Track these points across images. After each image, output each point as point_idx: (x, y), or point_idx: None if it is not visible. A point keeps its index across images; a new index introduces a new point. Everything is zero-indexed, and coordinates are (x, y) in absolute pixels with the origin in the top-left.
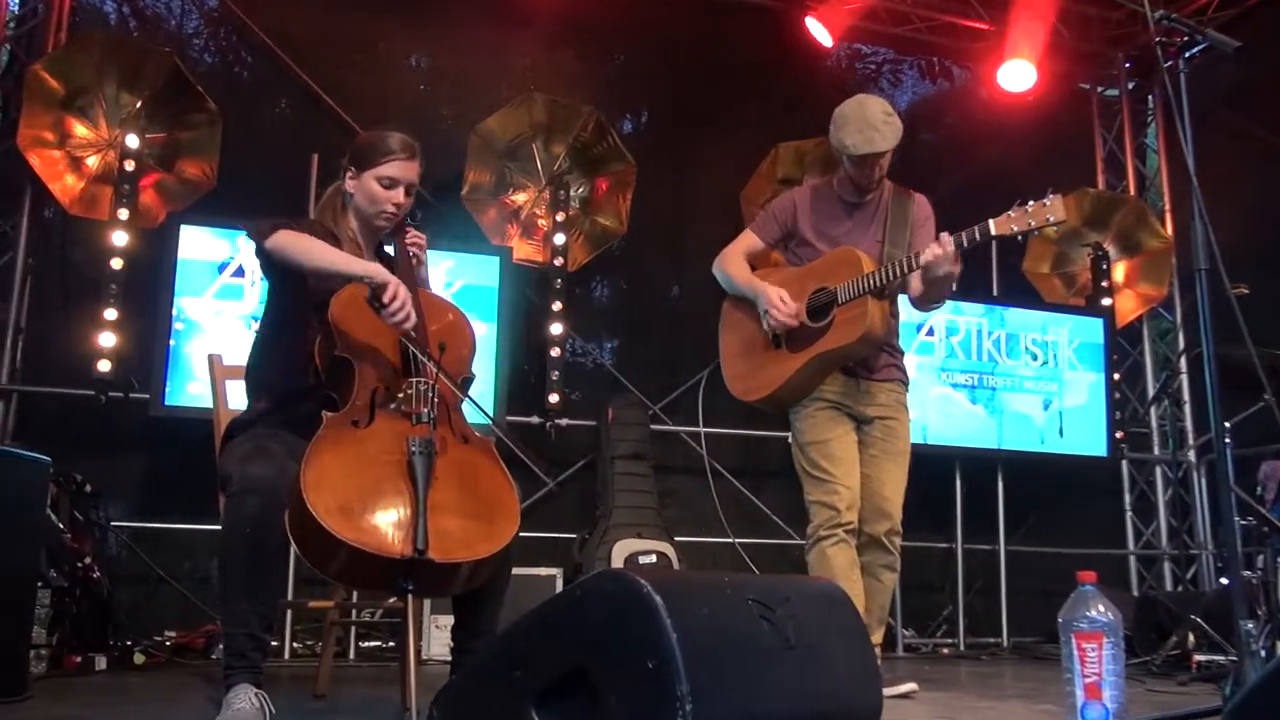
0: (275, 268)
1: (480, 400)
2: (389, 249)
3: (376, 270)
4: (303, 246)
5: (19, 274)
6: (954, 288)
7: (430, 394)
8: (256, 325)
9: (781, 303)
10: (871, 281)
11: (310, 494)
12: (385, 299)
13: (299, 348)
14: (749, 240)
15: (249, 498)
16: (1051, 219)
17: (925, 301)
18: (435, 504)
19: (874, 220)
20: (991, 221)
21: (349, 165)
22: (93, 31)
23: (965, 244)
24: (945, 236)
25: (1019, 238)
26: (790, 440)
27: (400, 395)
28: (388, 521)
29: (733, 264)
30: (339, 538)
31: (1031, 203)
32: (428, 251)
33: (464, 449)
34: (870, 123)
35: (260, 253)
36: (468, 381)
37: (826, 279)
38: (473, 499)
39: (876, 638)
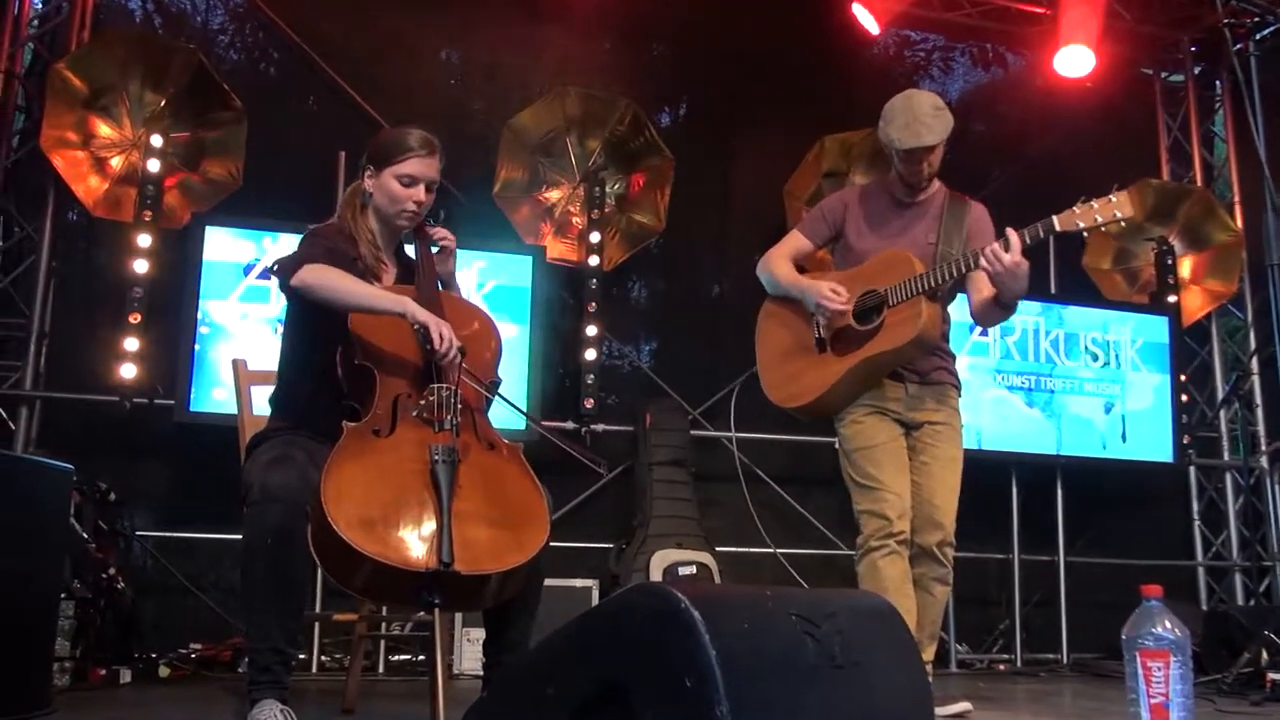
0: (305, 307)
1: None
2: (410, 249)
3: (408, 307)
4: (331, 285)
5: (42, 278)
6: (1025, 289)
7: (453, 400)
8: (280, 340)
9: (834, 293)
10: (925, 282)
11: (331, 507)
12: (434, 345)
13: (325, 365)
14: (796, 242)
15: (270, 507)
16: (1119, 215)
17: (993, 309)
18: (460, 514)
19: (926, 221)
20: (1055, 217)
21: (367, 164)
22: (117, 29)
23: (1029, 241)
24: (1011, 231)
25: (1083, 234)
26: (837, 447)
27: (422, 403)
28: (411, 533)
29: (779, 265)
30: (361, 551)
31: (1097, 198)
32: (458, 251)
33: (490, 456)
34: (917, 116)
35: (285, 289)
36: (494, 386)
37: (875, 281)
38: (500, 508)
39: (928, 654)
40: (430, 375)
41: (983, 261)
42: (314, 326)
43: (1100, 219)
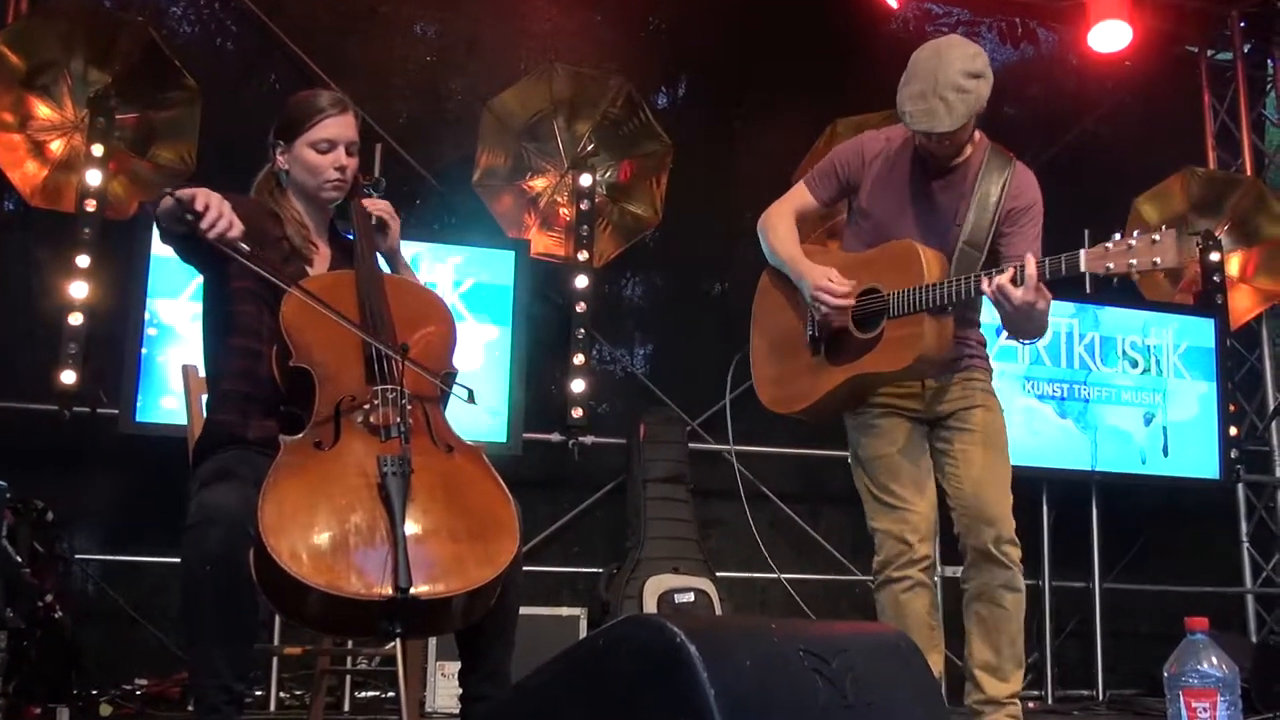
0: (193, 252)
1: (493, 416)
2: (349, 237)
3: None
4: (167, 201)
5: None
6: (1045, 323)
7: (401, 400)
8: (201, 331)
9: (829, 284)
10: (930, 297)
11: (270, 536)
12: (198, 208)
13: (251, 347)
14: (800, 198)
15: (208, 530)
16: (1158, 262)
17: (1010, 334)
18: (417, 530)
19: (957, 193)
20: (1083, 253)
21: (276, 140)
22: (58, 0)
23: (1047, 275)
24: (1029, 258)
25: (1114, 281)
26: (849, 456)
27: (367, 407)
28: (363, 558)
29: (779, 225)
30: (307, 583)
31: (1137, 236)
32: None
33: (448, 460)
34: (937, 88)
35: (159, 228)
36: (449, 378)
37: (881, 277)
38: (461, 518)
39: (1013, 684)
40: (375, 376)
41: (987, 294)
42: (232, 306)
43: (1135, 263)
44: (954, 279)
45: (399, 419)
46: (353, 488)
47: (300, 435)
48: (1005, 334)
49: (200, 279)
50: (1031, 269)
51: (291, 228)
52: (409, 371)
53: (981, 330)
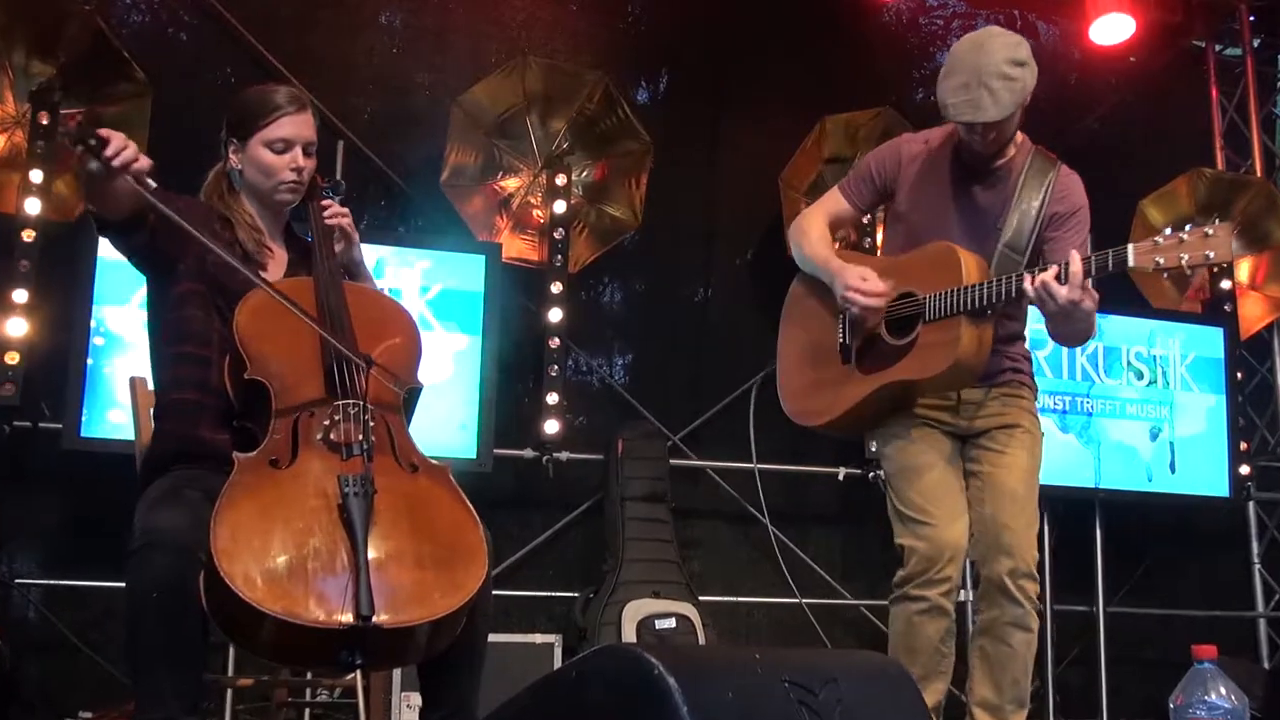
0: (136, 248)
1: (462, 432)
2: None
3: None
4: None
5: None
6: (1092, 325)
7: (363, 416)
8: (147, 336)
9: (863, 282)
10: (970, 299)
11: (223, 559)
12: (101, 134)
13: (201, 354)
14: (834, 203)
15: (154, 555)
16: (1211, 256)
17: (1055, 337)
18: (379, 554)
19: (999, 196)
20: (1131, 248)
21: (229, 138)
22: None
23: (1093, 272)
24: (1074, 254)
25: (1164, 275)
26: (881, 471)
27: (327, 423)
28: (322, 583)
29: (813, 228)
30: (262, 610)
31: (1189, 229)
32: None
33: (413, 480)
34: (982, 77)
35: (97, 224)
36: (414, 393)
37: (916, 280)
38: (427, 542)
39: None
40: (336, 389)
41: (1029, 293)
42: (180, 311)
43: (1186, 259)
44: (994, 279)
45: (362, 436)
46: (312, 509)
47: (255, 452)
48: (1050, 341)
49: (141, 280)
50: (1077, 266)
51: (243, 231)
52: (372, 385)
53: (1029, 345)
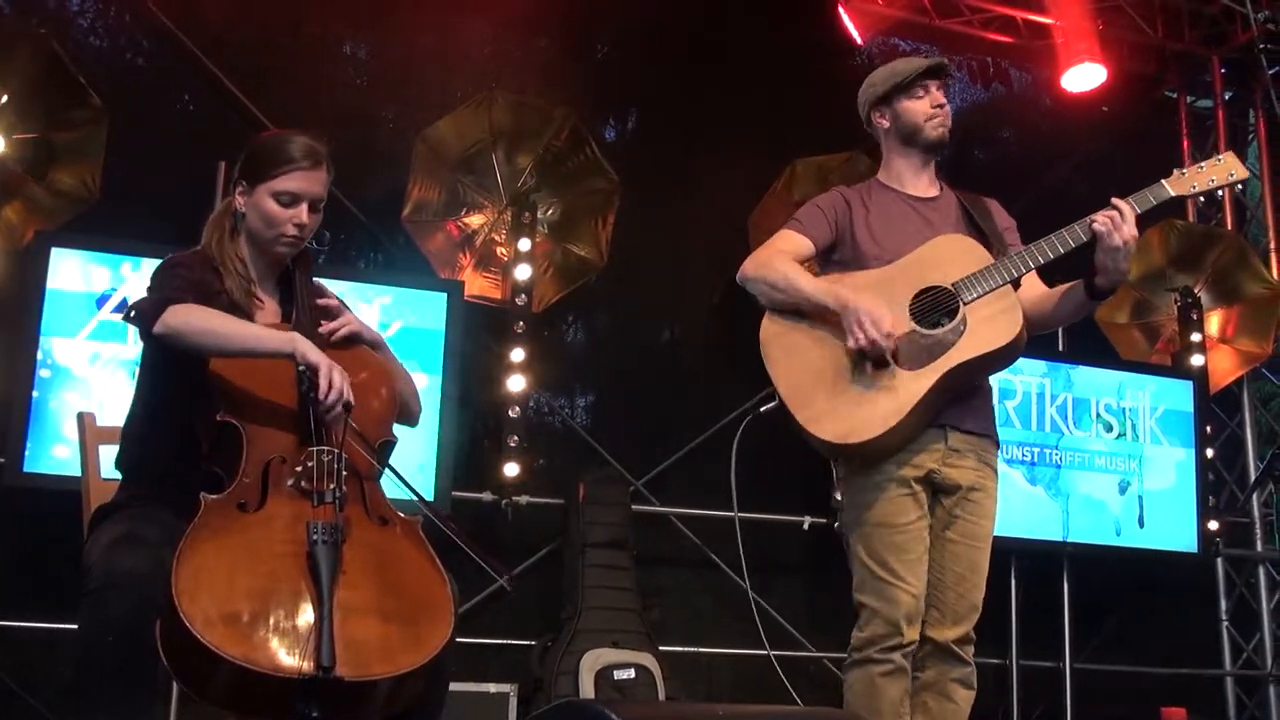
0: (179, 361)
1: (419, 473)
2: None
3: (298, 345)
4: (205, 327)
5: None
6: (1129, 271)
7: (336, 465)
8: (134, 388)
9: (873, 324)
10: (1011, 268)
11: (184, 600)
12: (318, 393)
13: (186, 424)
14: (794, 241)
15: (112, 596)
16: (1234, 175)
17: (1066, 304)
18: (345, 606)
19: (950, 220)
20: (1166, 181)
21: (240, 179)
22: None
23: (1139, 209)
24: (1118, 200)
25: (1199, 199)
26: (843, 520)
27: (299, 469)
28: (283, 631)
29: (786, 266)
30: (220, 654)
31: (1204, 162)
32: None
33: (381, 533)
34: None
35: (147, 338)
36: (388, 446)
37: (930, 275)
38: (393, 597)
39: None
40: (310, 435)
41: (1097, 226)
42: (178, 373)
43: (1215, 179)
44: (1052, 234)
45: (334, 485)
46: (278, 555)
47: (223, 494)
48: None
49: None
50: (1123, 203)
51: (231, 280)
52: (347, 433)
53: (998, 395)
